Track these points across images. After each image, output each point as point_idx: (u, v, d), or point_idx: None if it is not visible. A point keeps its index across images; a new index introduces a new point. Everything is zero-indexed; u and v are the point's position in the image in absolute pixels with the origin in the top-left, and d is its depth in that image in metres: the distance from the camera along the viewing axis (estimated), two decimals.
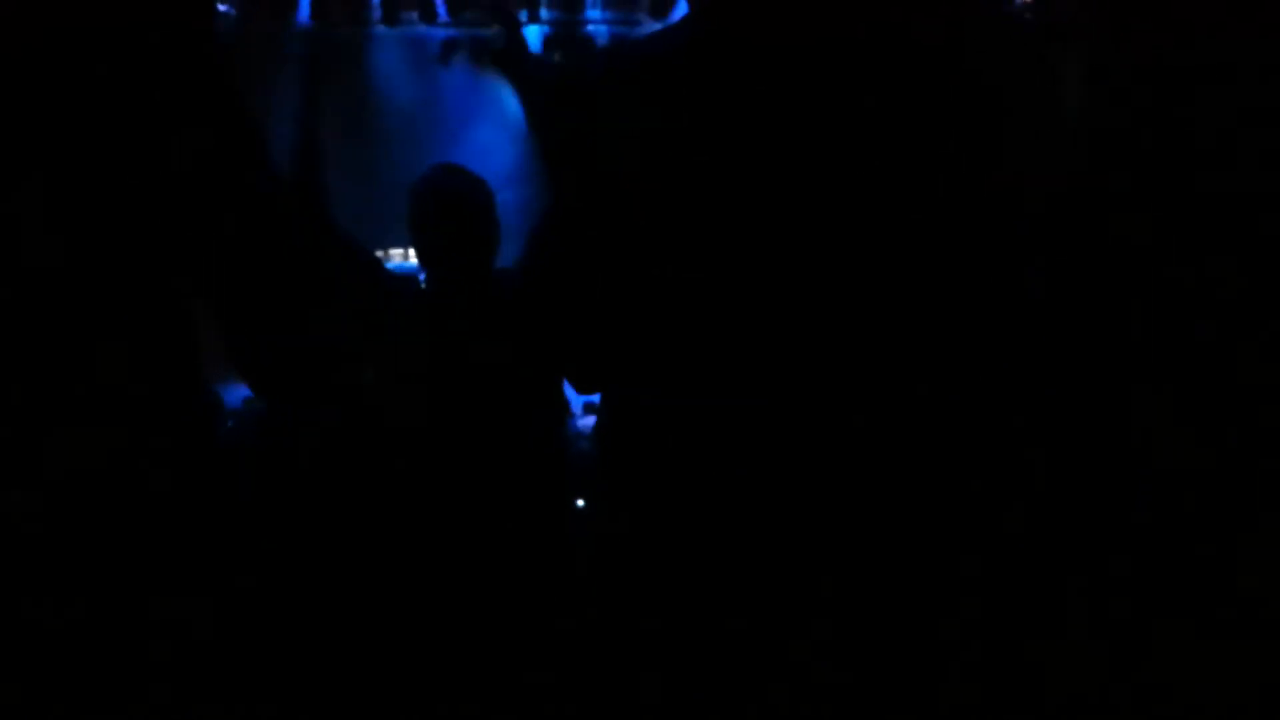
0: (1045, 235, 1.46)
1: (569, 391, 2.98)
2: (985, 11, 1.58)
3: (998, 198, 1.42)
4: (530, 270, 2.77)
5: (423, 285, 2.97)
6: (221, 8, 7.70)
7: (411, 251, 3.08)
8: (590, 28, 8.57)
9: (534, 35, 8.64)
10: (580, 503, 3.02)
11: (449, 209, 2.80)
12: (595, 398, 1.72)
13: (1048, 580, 1.43)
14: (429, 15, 8.38)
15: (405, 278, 3.28)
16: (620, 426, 1.56)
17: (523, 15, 8.57)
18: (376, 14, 8.46)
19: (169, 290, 1.25)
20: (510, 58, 2.84)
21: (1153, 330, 1.44)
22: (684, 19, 1.59)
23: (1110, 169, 1.46)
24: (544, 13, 8.45)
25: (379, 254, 3.05)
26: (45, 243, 1.16)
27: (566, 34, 8.56)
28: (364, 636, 2.63)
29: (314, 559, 2.61)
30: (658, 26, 7.96)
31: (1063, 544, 1.44)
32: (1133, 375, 1.44)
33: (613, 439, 1.58)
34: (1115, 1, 1.50)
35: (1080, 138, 1.49)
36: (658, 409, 1.47)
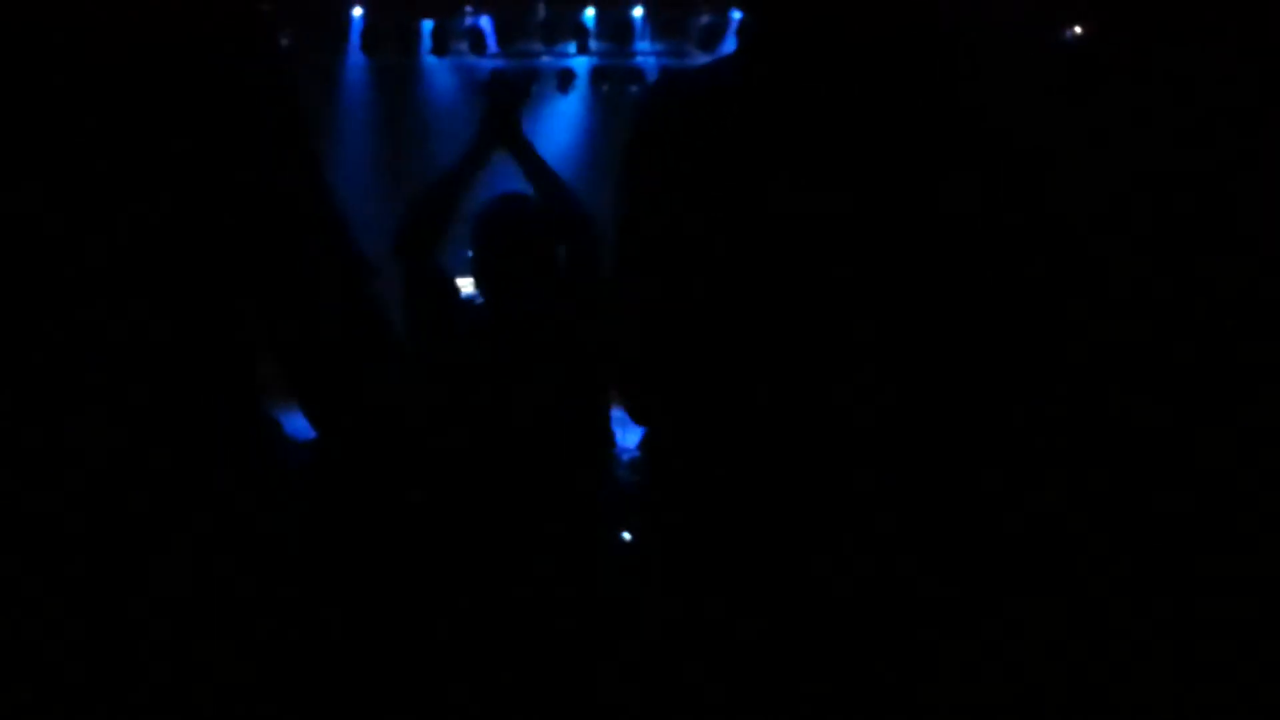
0: (1088, 256, 1.46)
1: (615, 426, 2.99)
2: (1024, 43, 1.59)
3: (1048, 223, 1.42)
4: (593, 292, 2.79)
5: (481, 310, 2.98)
6: None
7: (461, 280, 3.09)
8: (639, 60, 8.61)
9: (583, 66, 8.72)
10: (626, 535, 3.02)
11: (512, 238, 2.81)
12: (641, 433, 1.72)
13: (1060, 581, 1.43)
14: (479, 46, 8.45)
15: (468, 303, 3.29)
16: (668, 456, 1.56)
17: (571, 47, 8.66)
18: (427, 45, 8.55)
19: (231, 312, 1.27)
20: (510, 134, 2.84)
21: (1153, 334, 1.43)
22: (735, 53, 1.59)
23: (1121, 187, 1.47)
24: (593, 44, 8.49)
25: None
26: (107, 262, 1.18)
27: (616, 66, 8.62)
28: (411, 660, 2.64)
29: (363, 578, 2.62)
30: (707, 59, 8.00)
31: (1078, 545, 1.44)
32: (1135, 380, 1.44)
33: (660, 470, 1.58)
34: (1133, 23, 1.51)
35: (1105, 159, 1.49)
36: (705, 438, 1.48)
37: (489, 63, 8.62)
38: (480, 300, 3.01)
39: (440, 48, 8.48)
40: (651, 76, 8.45)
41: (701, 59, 8.07)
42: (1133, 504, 1.44)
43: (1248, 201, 1.45)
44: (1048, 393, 1.42)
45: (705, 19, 8.21)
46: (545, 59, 8.68)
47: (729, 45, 8.13)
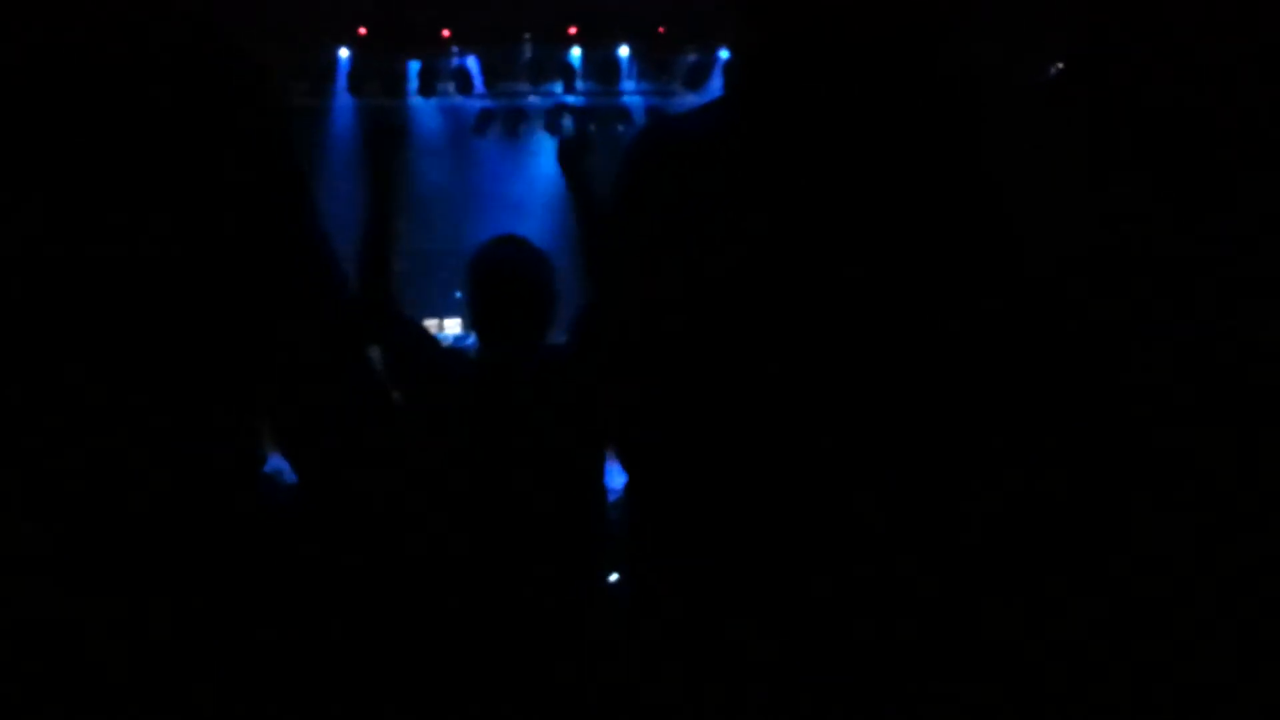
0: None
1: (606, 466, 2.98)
2: (1007, 85, 1.59)
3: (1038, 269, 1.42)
4: (586, 344, 2.79)
5: (472, 355, 2.97)
6: None
7: (448, 321, 3.09)
8: (626, 99, 8.66)
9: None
10: (614, 577, 3.00)
11: (510, 282, 2.81)
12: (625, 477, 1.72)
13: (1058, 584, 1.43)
14: (465, 86, 8.49)
15: (454, 350, 3.26)
16: (653, 500, 1.56)
17: (558, 87, 8.70)
18: (414, 85, 8.58)
19: (222, 360, 1.26)
20: (573, 159, 2.93)
21: (1153, 343, 1.43)
22: (724, 96, 1.59)
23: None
24: (580, 84, 8.53)
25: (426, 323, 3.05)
26: (95, 306, 1.17)
27: (603, 105, 8.66)
28: (400, 707, 2.61)
29: (350, 625, 2.60)
30: (693, 98, 8.04)
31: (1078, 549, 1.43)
32: (1133, 382, 1.44)
33: (645, 513, 1.58)
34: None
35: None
36: (690, 482, 1.47)
37: (476, 103, 8.66)
38: (470, 343, 3.01)
39: (427, 88, 8.51)
40: (638, 115, 8.48)
41: (688, 98, 8.12)
42: (1132, 504, 1.44)
43: (1248, 207, 1.45)
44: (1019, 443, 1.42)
45: (692, 58, 8.26)
46: (532, 99, 8.72)
47: (715, 84, 8.19)
